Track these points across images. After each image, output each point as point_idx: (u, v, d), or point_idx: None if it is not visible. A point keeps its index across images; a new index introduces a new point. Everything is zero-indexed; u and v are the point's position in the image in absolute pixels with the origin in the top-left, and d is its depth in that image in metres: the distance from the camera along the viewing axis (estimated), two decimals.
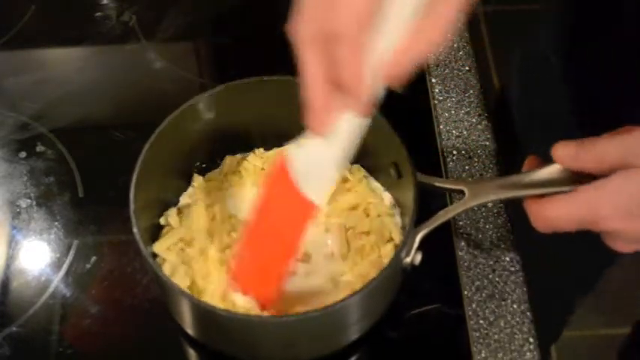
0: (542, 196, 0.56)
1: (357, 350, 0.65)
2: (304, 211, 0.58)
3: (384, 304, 0.63)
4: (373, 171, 0.70)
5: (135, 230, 0.59)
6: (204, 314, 0.59)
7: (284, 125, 0.70)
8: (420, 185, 0.62)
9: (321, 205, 0.58)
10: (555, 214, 0.54)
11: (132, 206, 0.60)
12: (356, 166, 0.71)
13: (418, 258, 0.61)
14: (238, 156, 0.72)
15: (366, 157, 0.69)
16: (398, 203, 0.68)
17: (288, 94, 0.66)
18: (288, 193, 0.57)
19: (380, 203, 0.69)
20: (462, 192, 0.62)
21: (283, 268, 0.61)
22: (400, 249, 0.59)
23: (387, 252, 0.65)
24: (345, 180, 0.70)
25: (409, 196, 0.61)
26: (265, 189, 0.60)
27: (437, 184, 0.64)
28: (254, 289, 0.61)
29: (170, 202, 0.69)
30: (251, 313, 0.61)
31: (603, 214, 0.52)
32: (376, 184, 0.70)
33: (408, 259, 0.60)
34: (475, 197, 0.61)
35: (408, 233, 0.59)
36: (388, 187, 0.69)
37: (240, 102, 0.68)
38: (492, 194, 0.61)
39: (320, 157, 0.55)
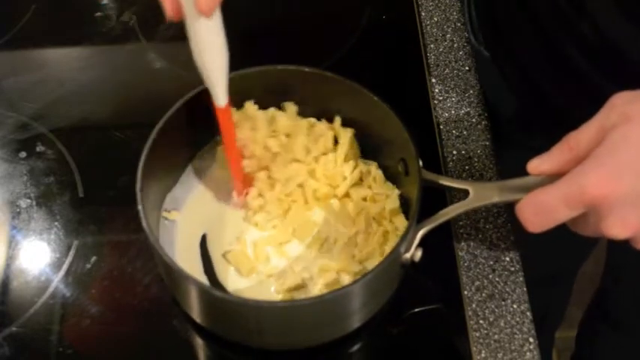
0: None
1: (357, 352, 0.65)
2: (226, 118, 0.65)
3: (382, 297, 0.63)
4: (384, 167, 0.70)
5: (139, 207, 0.60)
6: (207, 298, 0.59)
7: None
8: (425, 183, 0.62)
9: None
10: (542, 195, 0.54)
11: (138, 184, 0.61)
12: (371, 162, 0.71)
13: (418, 255, 0.61)
14: None
15: (377, 153, 0.70)
16: (404, 199, 0.68)
17: (290, 84, 0.68)
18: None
19: (390, 198, 0.68)
20: (466, 192, 0.62)
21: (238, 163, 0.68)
22: (399, 243, 0.59)
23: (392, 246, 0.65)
24: (360, 175, 0.70)
25: (414, 193, 0.62)
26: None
27: (442, 182, 0.64)
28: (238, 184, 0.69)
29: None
30: (249, 297, 0.62)
31: (587, 181, 0.51)
32: (387, 181, 0.70)
33: (408, 255, 0.60)
34: (479, 198, 0.62)
35: (409, 229, 0.60)
36: (397, 183, 0.69)
37: (244, 91, 0.68)
38: (496, 196, 0.61)
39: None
